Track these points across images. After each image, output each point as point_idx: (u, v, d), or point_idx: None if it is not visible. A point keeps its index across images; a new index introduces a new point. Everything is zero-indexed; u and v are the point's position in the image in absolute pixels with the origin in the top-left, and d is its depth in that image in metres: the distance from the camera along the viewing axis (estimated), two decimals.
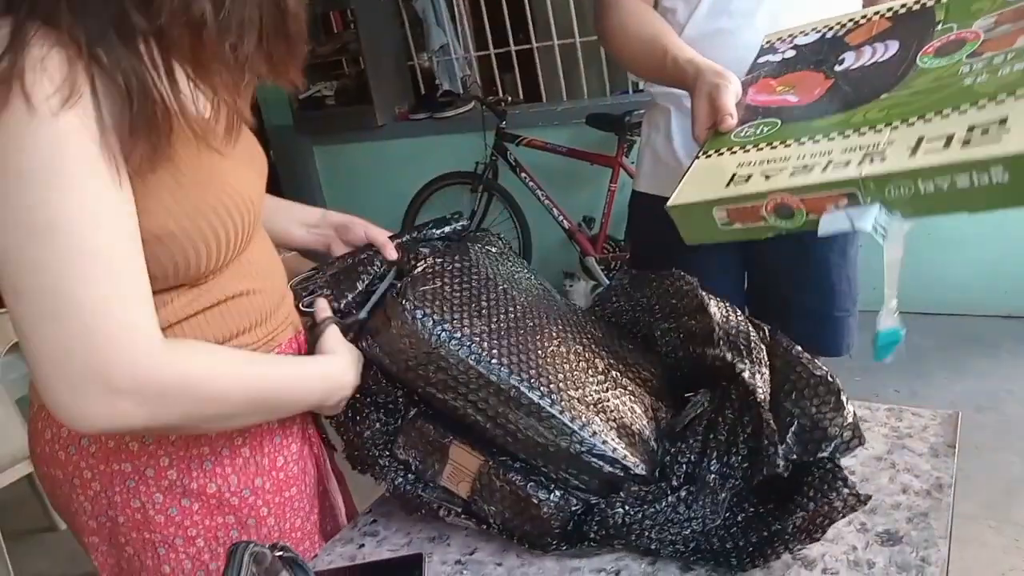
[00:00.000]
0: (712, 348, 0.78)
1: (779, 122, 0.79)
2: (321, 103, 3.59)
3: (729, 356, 0.76)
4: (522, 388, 0.75)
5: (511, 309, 0.83)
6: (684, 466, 0.77)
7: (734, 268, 1.23)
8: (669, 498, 0.75)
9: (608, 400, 0.78)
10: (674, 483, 0.76)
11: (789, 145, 0.73)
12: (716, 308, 0.81)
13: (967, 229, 2.66)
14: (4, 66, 0.56)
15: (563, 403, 0.75)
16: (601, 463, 0.75)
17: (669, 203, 0.75)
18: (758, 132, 0.79)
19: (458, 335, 0.76)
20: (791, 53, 0.92)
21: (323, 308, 0.85)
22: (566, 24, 3.33)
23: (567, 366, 0.79)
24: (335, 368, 0.79)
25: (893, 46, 0.81)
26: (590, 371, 0.81)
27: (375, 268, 0.89)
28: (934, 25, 0.80)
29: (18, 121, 0.57)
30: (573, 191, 3.21)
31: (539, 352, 0.79)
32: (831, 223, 0.65)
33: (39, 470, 0.81)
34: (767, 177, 0.70)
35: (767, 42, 0.98)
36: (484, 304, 0.82)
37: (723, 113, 0.85)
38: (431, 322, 0.76)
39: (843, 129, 0.71)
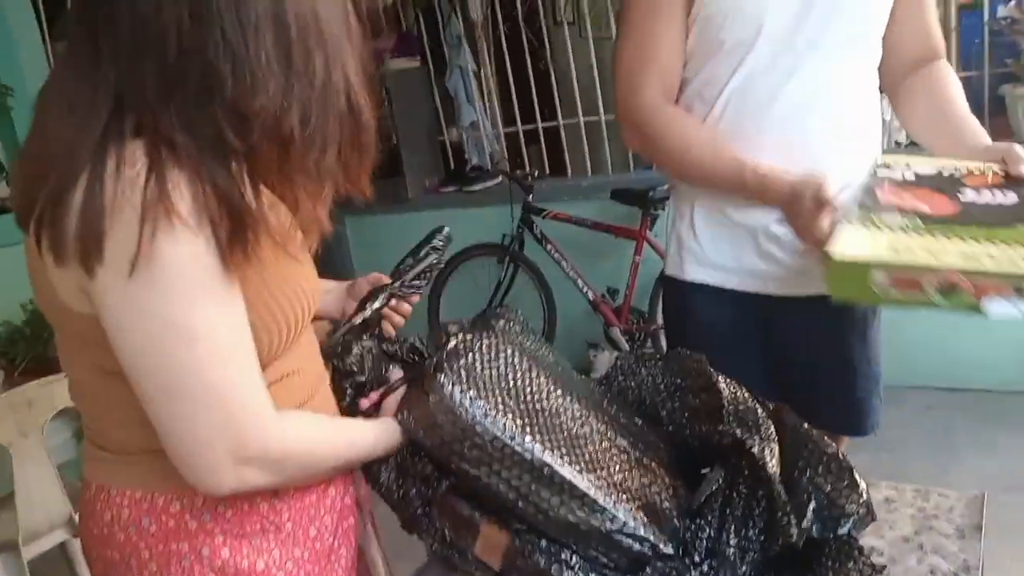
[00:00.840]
0: (721, 425, 0.81)
1: (920, 221, 0.84)
2: None
3: (739, 432, 0.79)
4: (555, 466, 0.76)
5: (538, 387, 0.85)
6: (704, 541, 0.79)
7: (760, 354, 1.22)
8: (693, 573, 0.76)
9: (633, 478, 0.80)
10: (696, 559, 0.78)
11: (948, 238, 0.78)
12: (724, 385, 0.83)
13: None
14: (152, 187, 0.63)
15: (594, 481, 0.77)
16: (631, 541, 0.76)
17: (832, 255, 0.78)
18: (905, 222, 0.84)
19: (493, 412, 0.78)
20: (911, 176, 0.98)
21: (396, 371, 0.92)
22: (591, 101, 3.45)
23: (591, 446, 0.81)
24: (393, 427, 0.85)
25: (1012, 196, 0.88)
26: (613, 450, 0.83)
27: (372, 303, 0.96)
28: None
29: (167, 239, 0.64)
30: (597, 263, 3.26)
31: (567, 430, 0.80)
32: (999, 308, 0.72)
33: (92, 552, 0.82)
34: (935, 255, 0.75)
35: (883, 162, 1.05)
36: (513, 381, 0.83)
37: (830, 206, 0.94)
38: (467, 399, 0.78)
39: (992, 239, 0.77)
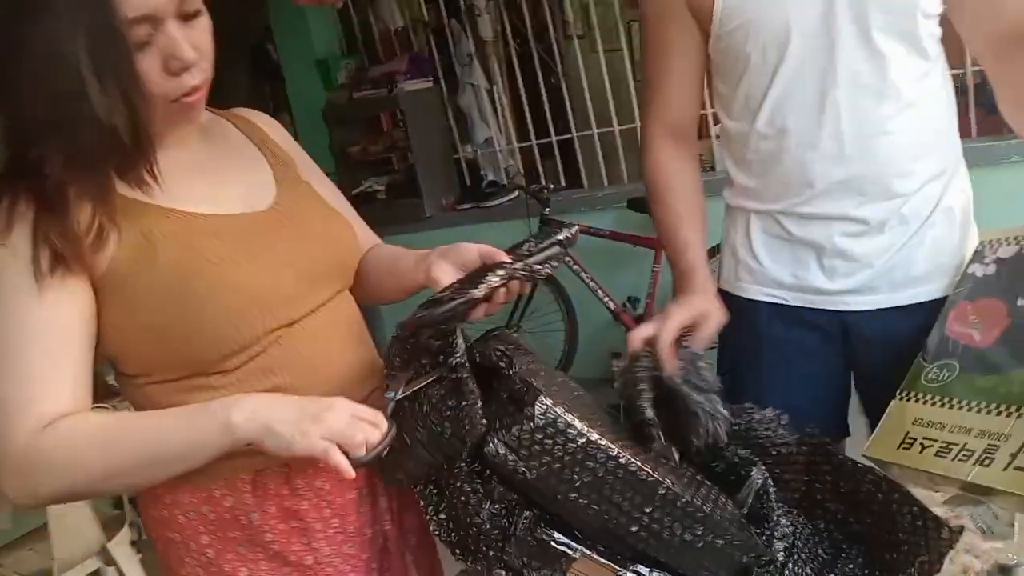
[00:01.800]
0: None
1: (957, 368, 0.91)
2: (372, 197, 3.76)
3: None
4: (670, 486, 0.73)
5: (592, 410, 0.80)
6: (779, 541, 0.80)
7: (834, 374, 1.18)
8: (790, 567, 0.78)
9: (708, 498, 0.78)
10: (780, 558, 0.79)
11: (959, 408, 0.86)
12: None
13: None
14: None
15: (694, 499, 0.75)
16: (741, 553, 0.77)
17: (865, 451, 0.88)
18: (941, 376, 0.92)
19: (595, 435, 0.71)
20: (992, 269, 0.98)
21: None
22: (604, 112, 3.46)
23: (661, 468, 0.77)
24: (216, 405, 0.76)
25: None
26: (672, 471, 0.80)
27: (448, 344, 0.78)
28: None
29: None
30: (617, 273, 3.26)
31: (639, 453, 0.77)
32: None
33: (154, 532, 0.88)
34: (935, 453, 0.84)
35: (980, 244, 1.04)
36: (580, 403, 0.78)
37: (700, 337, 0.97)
38: (572, 418, 0.71)
39: (992, 403, 0.83)
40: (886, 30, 0.99)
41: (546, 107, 3.58)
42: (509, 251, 0.85)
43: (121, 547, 2.07)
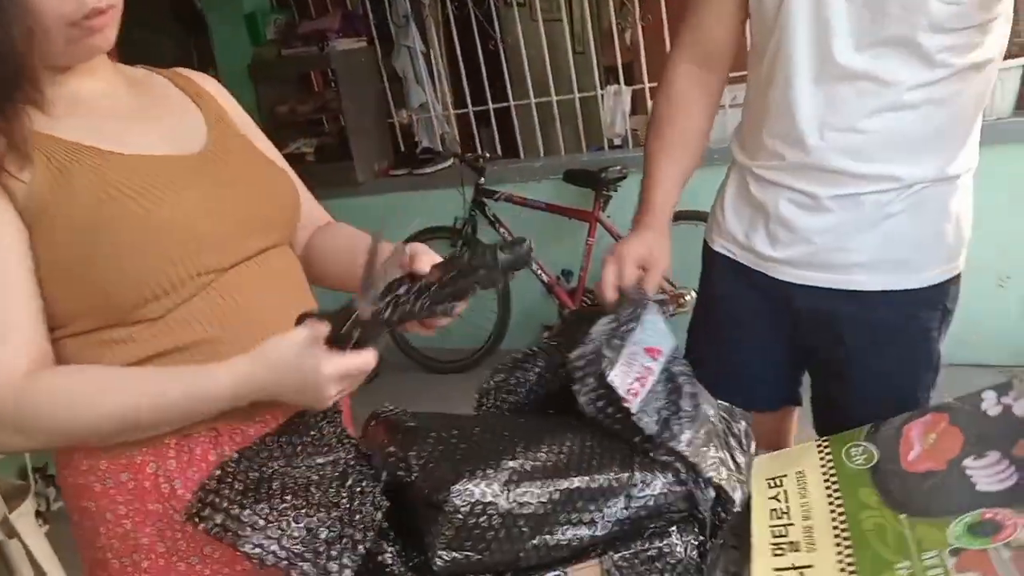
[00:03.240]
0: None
1: (876, 456, 0.84)
2: (301, 159, 3.63)
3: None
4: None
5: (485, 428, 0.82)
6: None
7: (782, 339, 1.18)
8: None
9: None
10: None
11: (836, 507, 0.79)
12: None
13: None
14: None
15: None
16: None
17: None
18: (858, 460, 0.84)
19: (508, 497, 0.72)
20: (999, 410, 0.84)
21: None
22: (543, 82, 3.42)
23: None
24: (250, 387, 0.74)
25: (1012, 478, 0.74)
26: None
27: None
28: None
29: None
30: (551, 245, 3.25)
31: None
32: None
33: (70, 502, 0.82)
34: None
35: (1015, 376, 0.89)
36: (479, 437, 0.79)
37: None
38: (487, 488, 0.71)
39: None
40: (880, 34, 0.95)
41: (484, 74, 3.51)
42: (444, 263, 0.81)
43: (25, 518, 1.97)
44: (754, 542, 0.78)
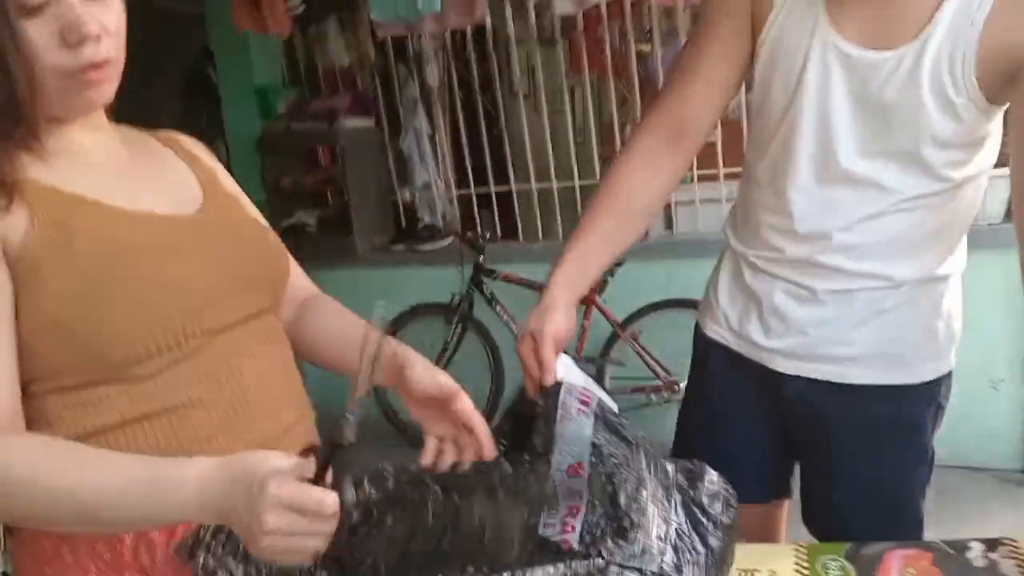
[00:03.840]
0: None
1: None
2: (302, 231, 3.67)
3: None
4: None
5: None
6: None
7: (771, 427, 1.17)
8: None
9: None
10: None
11: None
12: None
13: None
14: None
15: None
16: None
17: None
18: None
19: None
20: (984, 563, 0.84)
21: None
22: (544, 168, 3.50)
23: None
24: (178, 477, 0.65)
25: None
26: None
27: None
28: None
29: None
30: None
31: None
32: None
33: (24, 570, 0.78)
34: None
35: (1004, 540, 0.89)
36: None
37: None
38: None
39: None
40: (884, 145, 0.96)
41: (487, 157, 3.60)
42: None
43: None
44: None
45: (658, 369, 3.00)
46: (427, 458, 0.82)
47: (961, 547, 0.85)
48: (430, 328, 3.47)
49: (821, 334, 1.06)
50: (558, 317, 0.99)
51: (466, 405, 0.82)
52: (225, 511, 0.63)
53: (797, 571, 0.85)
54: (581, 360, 2.69)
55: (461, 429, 0.83)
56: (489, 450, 0.81)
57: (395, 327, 3.49)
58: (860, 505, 1.10)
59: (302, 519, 0.60)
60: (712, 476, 0.88)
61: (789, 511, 1.28)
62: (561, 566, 0.73)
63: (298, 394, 0.87)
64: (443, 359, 3.43)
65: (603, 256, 1.08)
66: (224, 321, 0.80)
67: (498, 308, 3.25)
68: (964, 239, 1.07)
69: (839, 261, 1.02)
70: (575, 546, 0.75)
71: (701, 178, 3.14)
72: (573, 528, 0.76)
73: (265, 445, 0.80)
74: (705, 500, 0.85)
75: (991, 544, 0.84)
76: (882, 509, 1.10)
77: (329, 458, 0.61)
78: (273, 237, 0.94)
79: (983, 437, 2.58)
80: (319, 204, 3.83)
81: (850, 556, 0.86)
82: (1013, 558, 0.82)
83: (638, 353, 3.05)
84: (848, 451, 1.09)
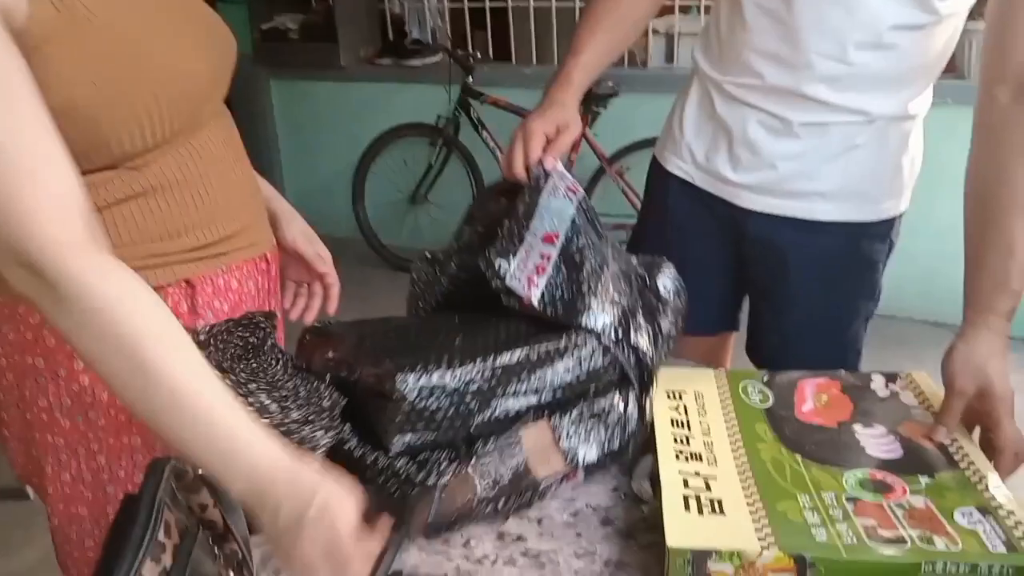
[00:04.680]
0: None
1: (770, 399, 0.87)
2: (284, 36, 3.46)
3: None
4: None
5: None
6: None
7: (727, 261, 1.18)
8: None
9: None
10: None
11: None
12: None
13: (904, 239, 2.73)
14: None
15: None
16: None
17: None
18: (753, 399, 0.87)
19: (453, 374, 0.73)
20: (887, 393, 0.89)
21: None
22: None
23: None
24: (288, 474, 0.57)
25: (898, 451, 0.79)
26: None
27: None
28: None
29: None
30: None
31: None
32: None
33: (4, 359, 0.77)
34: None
35: (905, 374, 0.92)
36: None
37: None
38: (431, 374, 0.72)
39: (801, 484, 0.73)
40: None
41: None
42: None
43: None
44: (659, 446, 0.79)
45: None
46: (287, 301, 0.98)
47: (865, 378, 0.91)
48: (413, 149, 3.39)
49: (791, 168, 1.06)
50: (555, 113, 0.98)
51: (332, 279, 0.99)
52: (276, 513, 0.57)
53: (720, 395, 0.89)
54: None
55: (316, 282, 0.99)
56: (333, 307, 0.98)
57: (377, 146, 3.40)
58: (807, 336, 1.15)
59: (333, 562, 0.56)
60: (670, 268, 0.94)
61: (733, 344, 1.34)
62: (522, 350, 0.77)
63: (256, 190, 0.88)
64: (425, 182, 3.38)
65: (605, 57, 1.10)
66: (213, 111, 0.78)
67: (484, 134, 3.16)
68: (931, 84, 1.07)
69: (821, 92, 1.01)
70: (535, 303, 0.79)
71: (708, 9, 2.96)
72: (536, 285, 0.80)
73: (243, 236, 0.81)
74: (660, 287, 0.91)
75: (890, 377, 0.91)
76: (827, 340, 1.16)
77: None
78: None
79: (954, 293, 2.66)
80: (302, 8, 3.59)
81: (767, 382, 0.91)
82: (910, 389, 0.89)
83: (623, 190, 3.03)
84: (803, 285, 1.12)
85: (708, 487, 0.73)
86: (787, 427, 0.82)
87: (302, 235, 0.96)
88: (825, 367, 0.96)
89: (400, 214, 3.51)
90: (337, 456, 0.72)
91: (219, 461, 0.57)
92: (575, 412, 0.79)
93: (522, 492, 0.76)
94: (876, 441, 0.80)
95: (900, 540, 0.65)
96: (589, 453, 0.79)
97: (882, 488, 0.73)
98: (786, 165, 1.06)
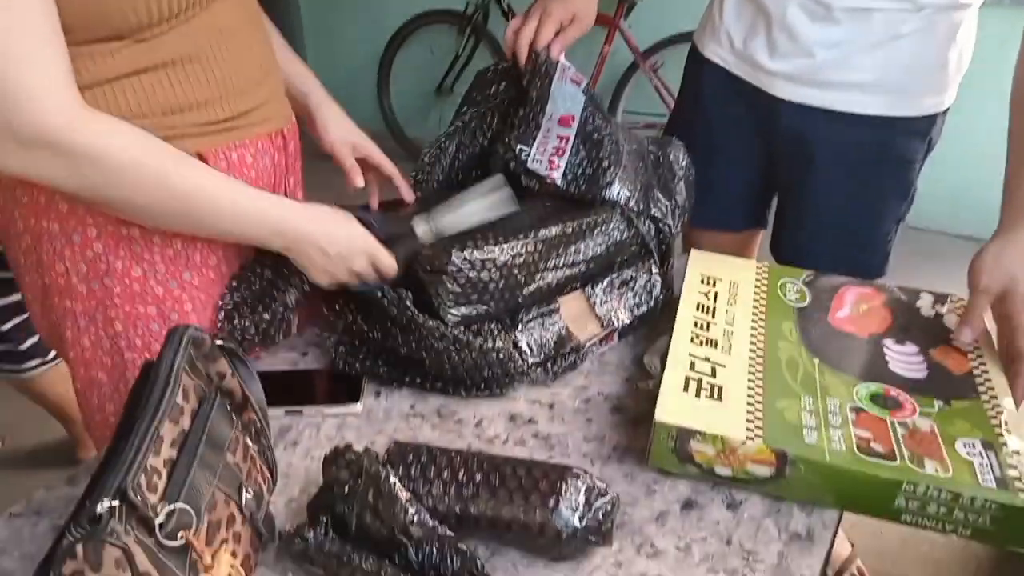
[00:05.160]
0: None
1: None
2: None
3: None
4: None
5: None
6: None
7: (756, 154, 1.15)
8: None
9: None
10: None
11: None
12: None
13: (940, 148, 2.63)
14: None
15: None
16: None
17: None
18: (790, 298, 0.86)
19: (501, 248, 0.79)
20: (932, 313, 0.85)
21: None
22: None
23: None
24: (298, 223, 0.75)
25: (922, 372, 0.76)
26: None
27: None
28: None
29: None
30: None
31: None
32: None
33: (14, 225, 0.78)
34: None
35: (952, 297, 0.87)
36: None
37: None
38: (480, 249, 0.78)
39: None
40: None
41: None
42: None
43: None
44: (677, 322, 0.80)
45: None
46: (357, 180, 0.93)
47: (913, 295, 0.87)
48: (440, 37, 3.28)
49: (829, 57, 1.01)
50: (575, 2, 0.93)
51: (382, 162, 0.96)
52: (309, 238, 0.75)
53: (757, 288, 0.87)
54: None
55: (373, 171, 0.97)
56: (408, 194, 0.94)
57: (405, 32, 3.30)
58: (832, 234, 1.13)
59: (374, 271, 0.78)
60: (680, 145, 0.97)
61: (761, 243, 1.31)
62: (556, 228, 0.82)
63: (274, 67, 0.85)
64: (452, 73, 3.29)
65: None
66: None
67: None
68: None
69: None
70: (559, 182, 0.85)
71: None
72: (557, 166, 0.85)
73: (262, 109, 0.80)
74: (672, 161, 0.95)
75: (940, 298, 0.86)
76: (854, 239, 1.13)
77: (402, 236, 0.81)
78: None
79: (989, 207, 2.58)
80: None
81: (808, 282, 0.89)
82: (957, 313, 0.84)
83: (656, 87, 2.93)
84: (832, 181, 1.09)
85: (714, 373, 0.73)
86: (814, 329, 0.81)
87: (340, 143, 0.94)
88: (850, 267, 0.94)
89: (426, 106, 3.44)
90: (401, 325, 0.78)
91: (254, 230, 0.73)
92: (605, 282, 0.86)
93: (567, 355, 0.82)
94: (903, 358, 0.78)
95: (890, 456, 0.64)
96: (622, 316, 0.86)
97: (892, 404, 0.71)
98: (824, 53, 1.01)
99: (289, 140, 0.86)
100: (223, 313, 0.81)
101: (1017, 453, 0.65)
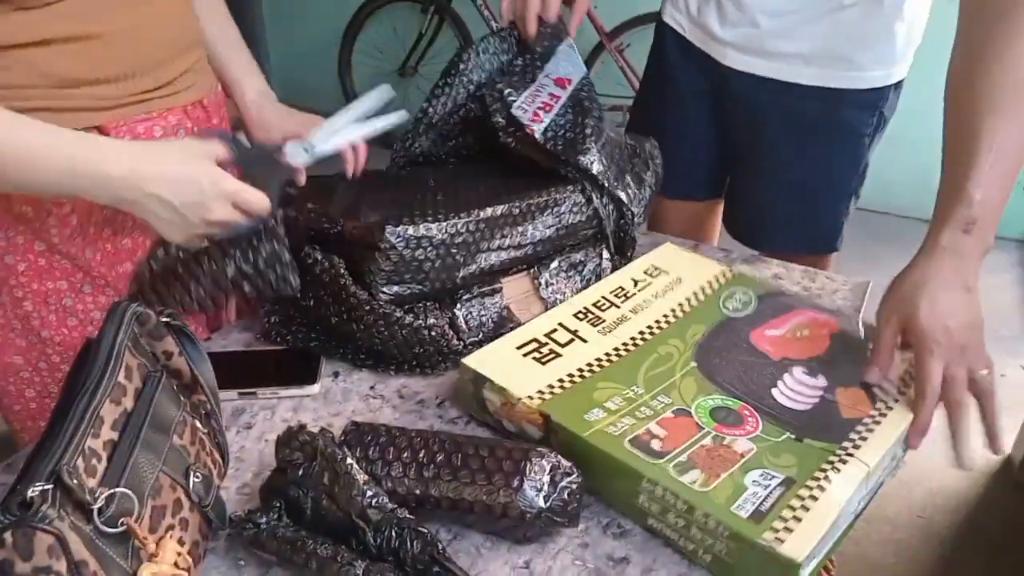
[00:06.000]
0: None
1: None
2: None
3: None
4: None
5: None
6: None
7: (711, 124, 1.15)
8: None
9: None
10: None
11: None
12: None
13: (905, 132, 2.66)
14: None
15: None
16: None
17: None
18: (733, 305, 0.80)
19: (439, 226, 0.77)
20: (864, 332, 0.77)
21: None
22: None
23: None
24: (109, 163, 0.60)
25: (806, 406, 0.67)
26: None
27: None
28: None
29: None
30: None
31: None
32: None
33: None
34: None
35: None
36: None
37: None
38: (418, 225, 0.75)
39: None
40: None
41: None
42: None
43: None
44: (579, 295, 0.80)
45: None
46: (300, 180, 0.77)
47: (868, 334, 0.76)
48: (403, 16, 3.22)
49: (773, 26, 1.01)
50: None
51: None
52: (153, 185, 0.61)
53: (702, 288, 0.82)
54: None
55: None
56: (361, 164, 0.84)
57: (364, 12, 3.23)
58: (782, 206, 1.13)
59: (239, 214, 0.66)
60: (652, 140, 0.98)
61: (720, 215, 1.30)
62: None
63: (195, 39, 0.80)
64: (415, 53, 3.24)
65: None
66: None
67: (479, 1, 3.00)
68: None
69: None
70: (537, 135, 0.84)
71: None
72: (541, 119, 0.85)
73: (167, 84, 0.76)
74: (648, 154, 0.96)
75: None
76: (804, 212, 1.12)
77: (264, 165, 0.70)
78: None
79: (1011, 206, 2.69)
80: None
81: (763, 295, 0.81)
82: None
83: (622, 68, 2.91)
84: (781, 151, 1.09)
85: (563, 344, 0.73)
86: (723, 338, 0.75)
87: (263, 132, 0.85)
88: (800, 242, 0.93)
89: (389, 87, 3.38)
90: (332, 293, 0.76)
91: (87, 182, 0.61)
92: (553, 265, 0.84)
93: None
94: (799, 388, 0.70)
95: (660, 456, 0.60)
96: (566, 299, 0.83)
97: (734, 420, 0.65)
98: (768, 22, 1.01)
99: (212, 113, 0.82)
100: (136, 286, 0.74)
101: (811, 498, 0.57)
